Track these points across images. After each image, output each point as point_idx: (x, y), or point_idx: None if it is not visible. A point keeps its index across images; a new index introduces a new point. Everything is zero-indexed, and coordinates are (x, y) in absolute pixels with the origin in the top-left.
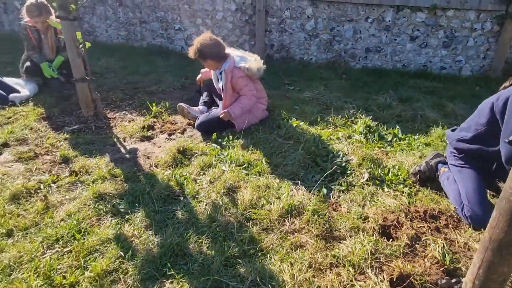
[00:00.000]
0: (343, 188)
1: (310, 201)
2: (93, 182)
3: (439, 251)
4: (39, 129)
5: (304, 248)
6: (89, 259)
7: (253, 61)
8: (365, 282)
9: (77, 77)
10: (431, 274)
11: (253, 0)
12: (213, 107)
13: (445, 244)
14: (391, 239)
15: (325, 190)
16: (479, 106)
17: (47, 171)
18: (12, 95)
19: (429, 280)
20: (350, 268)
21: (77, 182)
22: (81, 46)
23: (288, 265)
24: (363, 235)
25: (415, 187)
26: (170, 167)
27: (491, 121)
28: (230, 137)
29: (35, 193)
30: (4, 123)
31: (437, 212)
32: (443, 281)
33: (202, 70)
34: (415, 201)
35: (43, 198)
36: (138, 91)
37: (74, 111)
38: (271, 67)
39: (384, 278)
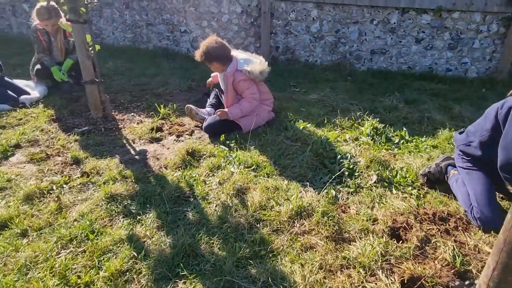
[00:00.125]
0: (352, 190)
1: (319, 202)
2: (104, 183)
3: (449, 253)
4: (49, 131)
5: (315, 249)
6: (103, 259)
7: (257, 64)
8: (376, 284)
9: (86, 79)
10: (442, 276)
11: (259, 2)
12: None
13: (455, 247)
14: (400, 241)
15: (333, 192)
16: (487, 109)
17: (59, 172)
18: (22, 97)
19: (440, 282)
20: (361, 270)
21: (88, 183)
22: (90, 48)
23: (299, 267)
24: (373, 237)
25: (424, 189)
26: (180, 168)
27: (496, 127)
28: (238, 139)
29: (48, 194)
30: (15, 125)
31: (446, 214)
32: (456, 283)
33: (213, 74)
34: (424, 203)
35: (56, 198)
36: (146, 93)
37: (83, 112)
38: (276, 69)
39: (395, 280)
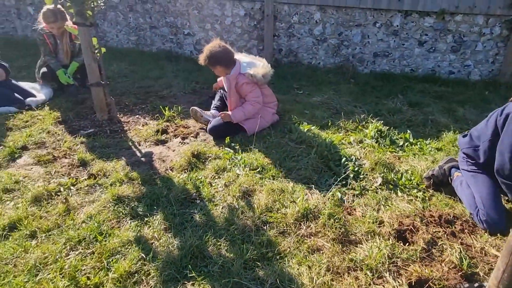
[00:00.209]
0: (357, 192)
1: (325, 205)
2: (111, 185)
3: (456, 256)
4: (56, 133)
5: (321, 251)
6: (112, 260)
7: (260, 67)
8: (383, 286)
9: (92, 81)
10: (449, 279)
11: (262, 5)
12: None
13: (462, 249)
14: (407, 244)
15: (339, 194)
16: (489, 114)
17: (66, 174)
18: (28, 99)
19: (448, 285)
20: (368, 272)
21: (95, 185)
22: (96, 51)
23: (306, 269)
24: (379, 239)
25: (429, 191)
26: (186, 170)
27: (496, 133)
28: (243, 141)
29: (56, 196)
30: (22, 127)
31: (452, 217)
32: (466, 285)
33: (219, 78)
34: (430, 206)
35: (64, 200)
36: (150, 95)
37: (89, 115)
38: (280, 72)
39: (403, 282)
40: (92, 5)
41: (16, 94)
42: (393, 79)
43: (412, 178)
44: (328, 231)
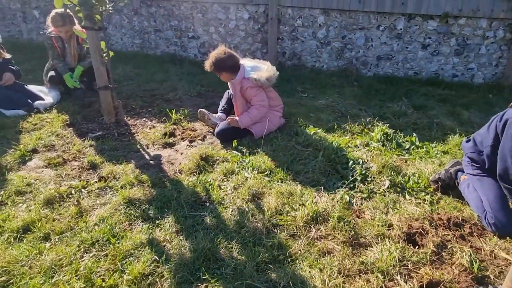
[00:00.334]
0: (365, 195)
1: (334, 208)
2: (121, 187)
3: (466, 259)
4: (65, 136)
5: (332, 254)
6: (126, 262)
7: (264, 71)
8: None
9: (100, 85)
10: (461, 282)
11: (266, 8)
12: (231, 115)
13: (471, 252)
14: (417, 247)
15: (347, 197)
16: (491, 118)
17: (76, 176)
18: (37, 102)
19: None
20: (379, 275)
21: (106, 187)
22: (105, 55)
23: (317, 271)
24: (389, 242)
25: (437, 195)
26: (194, 173)
27: (497, 138)
28: (250, 144)
29: (67, 198)
30: (31, 130)
31: (460, 220)
32: None
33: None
34: (438, 209)
35: (76, 203)
36: (156, 98)
37: (96, 118)
38: (283, 75)
39: (414, 285)
40: (101, 10)
41: (25, 97)
42: (396, 82)
43: (420, 181)
44: (338, 234)
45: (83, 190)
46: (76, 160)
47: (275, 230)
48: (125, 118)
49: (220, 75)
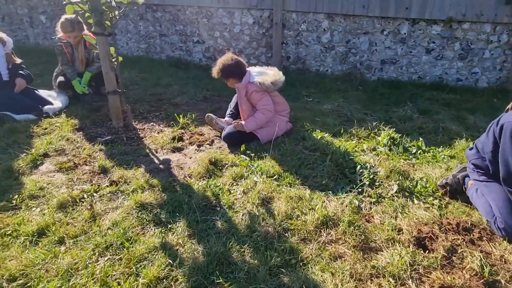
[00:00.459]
0: (374, 199)
1: (344, 212)
2: (132, 191)
3: (477, 264)
4: (74, 140)
5: (343, 258)
6: (140, 266)
7: (270, 75)
8: None
9: (109, 89)
10: (472, 286)
11: (270, 13)
12: (238, 119)
13: (482, 257)
14: (427, 251)
15: (356, 202)
16: (490, 124)
17: (88, 180)
18: (46, 107)
19: None
20: (391, 279)
21: (117, 191)
22: (114, 60)
23: (329, 275)
24: (399, 246)
25: (445, 199)
26: (204, 177)
27: (496, 143)
28: (258, 149)
29: (80, 202)
30: (41, 134)
31: (469, 224)
32: None
33: None
34: (446, 214)
35: (89, 207)
36: (163, 102)
37: (105, 122)
38: (288, 79)
39: None
40: (111, 16)
41: (34, 102)
42: (400, 86)
43: (428, 186)
44: (349, 238)
45: (95, 194)
46: (86, 164)
47: (286, 234)
48: (133, 123)
49: (227, 81)
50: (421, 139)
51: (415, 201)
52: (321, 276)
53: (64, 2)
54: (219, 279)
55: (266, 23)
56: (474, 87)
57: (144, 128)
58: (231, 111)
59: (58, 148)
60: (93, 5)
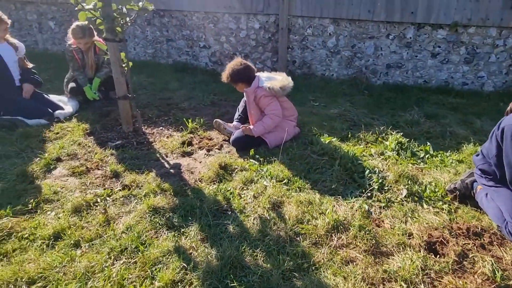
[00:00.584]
0: (383, 204)
1: (354, 217)
2: (145, 196)
3: (488, 268)
4: (86, 144)
5: (355, 263)
6: (155, 269)
7: (279, 80)
8: None
9: (120, 94)
10: None
11: (276, 18)
12: (246, 123)
13: (493, 261)
14: (438, 256)
15: (366, 206)
16: (492, 130)
17: (100, 185)
18: (57, 112)
19: None
20: (403, 283)
21: (130, 195)
22: (124, 65)
23: (342, 279)
24: (410, 251)
25: (454, 204)
26: (214, 182)
27: (500, 147)
28: (267, 153)
29: (94, 206)
30: (53, 139)
31: (479, 229)
32: None
33: None
34: (456, 218)
35: (103, 211)
36: (171, 107)
37: (114, 127)
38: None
39: None
40: (122, 22)
41: (46, 107)
42: (406, 90)
43: (437, 190)
44: (360, 242)
45: (108, 198)
46: (99, 169)
47: (298, 238)
48: (142, 127)
49: (236, 85)
50: (428, 143)
51: (425, 206)
52: (334, 280)
53: (76, 9)
54: (233, 283)
55: (272, 28)
56: (480, 91)
57: (154, 132)
58: (239, 115)
59: (70, 153)
60: (105, 12)
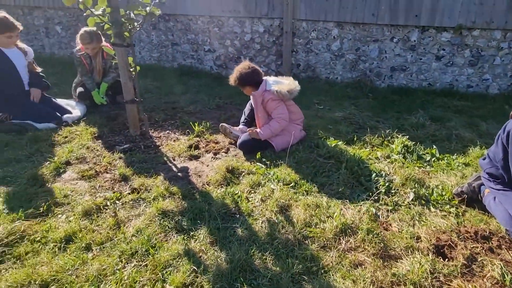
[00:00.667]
0: (390, 207)
1: (362, 220)
2: (153, 199)
3: (497, 272)
4: (94, 148)
5: (363, 266)
6: (166, 272)
7: (286, 84)
8: None
9: (127, 99)
10: None
11: (281, 22)
12: (252, 127)
13: (502, 265)
14: (446, 259)
15: (373, 210)
16: (498, 133)
17: (109, 188)
18: (65, 116)
19: None
20: (412, 287)
21: (139, 199)
22: (132, 70)
23: (351, 283)
24: (419, 254)
25: (462, 207)
26: (222, 185)
27: (506, 151)
28: (273, 157)
29: (104, 209)
30: (62, 142)
31: (488, 232)
32: None
33: None
34: (464, 222)
35: (113, 214)
36: (177, 111)
37: (122, 130)
38: None
39: None
40: (130, 27)
41: (54, 111)
42: (411, 93)
43: (444, 194)
44: (368, 246)
45: (117, 201)
46: (107, 172)
47: (306, 241)
48: (149, 131)
49: (243, 89)
50: (434, 146)
51: (432, 209)
52: (343, 283)
53: (85, 14)
54: (243, 286)
55: (277, 32)
56: (485, 93)
57: (160, 136)
58: (245, 118)
59: (79, 156)
60: (114, 18)
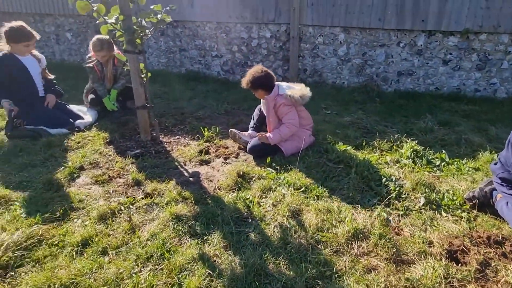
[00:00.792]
0: (401, 212)
1: (374, 225)
2: (167, 204)
3: (511, 277)
4: (107, 153)
5: (377, 271)
6: (181, 276)
7: (298, 89)
8: None
9: (138, 104)
10: None
11: (288, 27)
12: (262, 132)
13: None
14: (459, 264)
15: (384, 214)
16: (508, 137)
17: (123, 193)
18: (77, 121)
19: None
20: None
21: (152, 204)
22: (143, 76)
23: (365, 287)
24: (432, 259)
25: (473, 212)
26: (233, 190)
27: None
28: (283, 161)
29: (118, 214)
30: (75, 148)
31: (500, 238)
32: None
33: None
34: (476, 226)
35: (128, 219)
36: (186, 116)
37: (133, 136)
38: None
39: None
40: (141, 34)
41: (67, 116)
42: (418, 97)
43: (455, 198)
44: (380, 250)
45: (131, 206)
46: (120, 177)
47: (319, 246)
48: (160, 136)
49: (255, 92)
50: (444, 151)
51: (443, 214)
52: None
53: (98, 22)
54: None
55: (283, 37)
56: (493, 97)
57: (171, 141)
58: (254, 124)
59: (92, 161)
60: (126, 25)
